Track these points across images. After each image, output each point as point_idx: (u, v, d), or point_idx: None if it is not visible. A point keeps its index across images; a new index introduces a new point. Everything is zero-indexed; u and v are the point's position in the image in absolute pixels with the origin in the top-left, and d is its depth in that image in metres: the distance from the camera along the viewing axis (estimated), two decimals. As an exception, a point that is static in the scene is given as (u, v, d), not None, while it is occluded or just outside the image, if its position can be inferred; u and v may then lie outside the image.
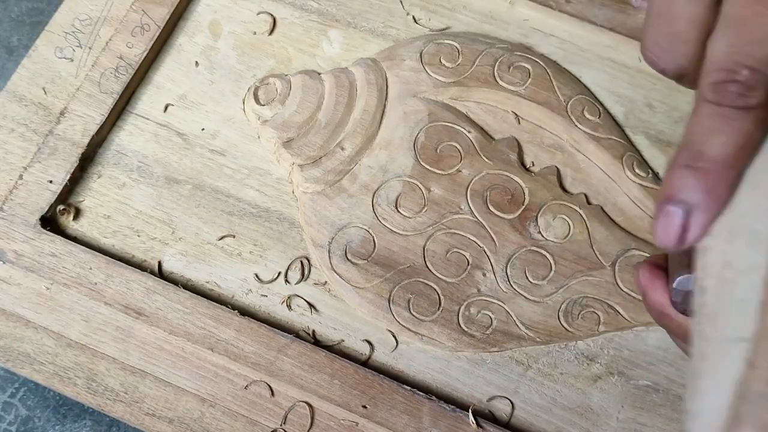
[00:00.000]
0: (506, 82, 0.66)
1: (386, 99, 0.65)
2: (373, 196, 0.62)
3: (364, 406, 0.57)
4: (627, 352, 0.60)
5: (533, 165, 0.65)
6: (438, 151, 0.64)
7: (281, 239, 0.62)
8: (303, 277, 0.61)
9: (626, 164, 0.63)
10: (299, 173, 0.62)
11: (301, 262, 0.62)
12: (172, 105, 0.66)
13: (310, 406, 0.57)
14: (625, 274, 0.61)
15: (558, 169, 0.64)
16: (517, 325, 0.60)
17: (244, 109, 0.66)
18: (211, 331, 0.58)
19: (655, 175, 0.64)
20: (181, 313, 0.58)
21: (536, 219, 0.62)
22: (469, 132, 0.64)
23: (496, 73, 0.66)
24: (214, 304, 0.58)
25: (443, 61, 0.66)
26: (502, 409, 0.59)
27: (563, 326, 0.60)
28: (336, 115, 0.64)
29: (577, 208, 0.62)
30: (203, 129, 0.65)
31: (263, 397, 0.58)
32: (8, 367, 0.58)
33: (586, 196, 0.63)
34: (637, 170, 0.63)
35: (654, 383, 0.60)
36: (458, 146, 0.64)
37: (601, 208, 0.63)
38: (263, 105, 0.65)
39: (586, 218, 0.62)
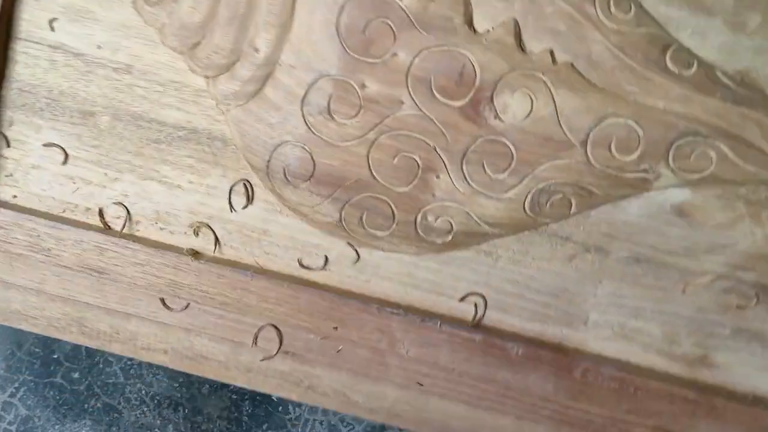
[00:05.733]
0: None
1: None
2: (302, 104, 0.54)
3: (335, 328, 0.58)
4: (605, 226, 0.56)
5: (487, 32, 0.53)
6: (366, 32, 0.52)
7: (218, 162, 0.57)
8: (249, 201, 0.58)
9: (600, 2, 0.51)
10: (215, 88, 0.54)
11: (245, 185, 0.57)
12: (57, 19, 0.56)
13: (277, 329, 0.59)
14: (599, 149, 0.53)
15: (516, 23, 0.52)
16: (480, 225, 0.56)
17: (137, 12, 0.55)
18: (173, 279, 0.58)
19: (640, 6, 0.51)
20: (139, 267, 0.58)
21: (491, 100, 0.53)
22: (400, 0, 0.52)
23: None
24: (167, 253, 0.57)
25: None
26: (471, 309, 0.59)
27: (531, 217, 0.55)
28: (239, 6, 0.53)
29: (541, 75, 0.52)
30: (100, 47, 0.56)
31: (241, 322, 0.59)
32: (6, 324, 0.61)
33: (551, 53, 0.52)
34: (614, 10, 0.51)
35: (635, 254, 0.56)
36: (389, 22, 0.52)
37: (572, 66, 0.52)
38: (154, 4, 0.54)
39: (551, 86, 0.52)
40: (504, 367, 0.58)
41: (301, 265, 0.58)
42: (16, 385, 0.72)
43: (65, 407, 0.72)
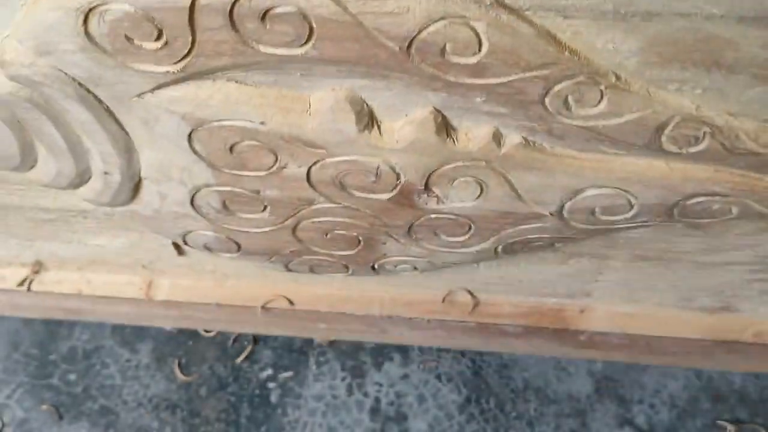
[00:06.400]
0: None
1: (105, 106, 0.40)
2: (192, 207, 0.45)
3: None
4: (602, 240, 0.48)
5: (397, 132, 0.40)
6: (234, 153, 0.42)
7: (129, 227, 0.53)
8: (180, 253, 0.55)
9: (552, 101, 0.37)
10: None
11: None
12: None
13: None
14: (580, 215, 0.43)
15: (438, 114, 0.39)
16: (448, 265, 0.49)
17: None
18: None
19: (616, 87, 0.36)
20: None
21: (427, 189, 0.43)
22: (261, 123, 0.40)
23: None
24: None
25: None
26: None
27: (507, 254, 0.48)
28: (56, 139, 0.42)
29: (483, 164, 0.41)
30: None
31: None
32: None
33: (496, 135, 0.39)
34: (573, 105, 0.37)
35: (640, 256, 0.50)
36: (258, 143, 0.41)
37: (525, 143, 0.40)
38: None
39: (501, 169, 0.41)
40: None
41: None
42: (13, 387, 0.71)
43: (62, 408, 0.71)
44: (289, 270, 0.51)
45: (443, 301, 0.55)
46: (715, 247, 0.48)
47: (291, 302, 0.59)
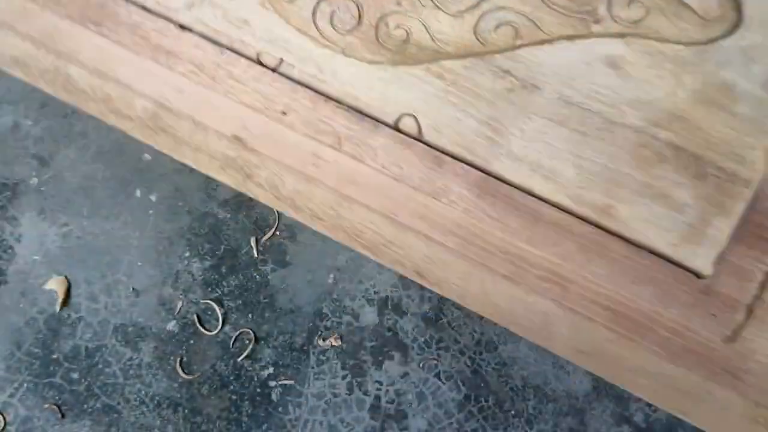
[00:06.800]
0: None
1: None
2: None
3: (284, 113, 0.60)
4: (544, 66, 0.57)
5: None
6: None
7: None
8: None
9: None
10: None
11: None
12: None
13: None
14: None
15: None
16: (433, 40, 0.58)
17: None
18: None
19: None
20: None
21: None
22: None
23: None
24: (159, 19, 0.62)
25: None
26: (410, 125, 0.60)
27: (478, 41, 0.57)
28: None
29: None
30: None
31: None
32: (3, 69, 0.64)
33: None
34: None
35: (565, 96, 0.57)
36: None
37: None
38: None
39: None
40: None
41: (260, 62, 0.61)
42: (16, 385, 0.71)
43: (65, 407, 0.70)
44: (314, 16, 0.60)
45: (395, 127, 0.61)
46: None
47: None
